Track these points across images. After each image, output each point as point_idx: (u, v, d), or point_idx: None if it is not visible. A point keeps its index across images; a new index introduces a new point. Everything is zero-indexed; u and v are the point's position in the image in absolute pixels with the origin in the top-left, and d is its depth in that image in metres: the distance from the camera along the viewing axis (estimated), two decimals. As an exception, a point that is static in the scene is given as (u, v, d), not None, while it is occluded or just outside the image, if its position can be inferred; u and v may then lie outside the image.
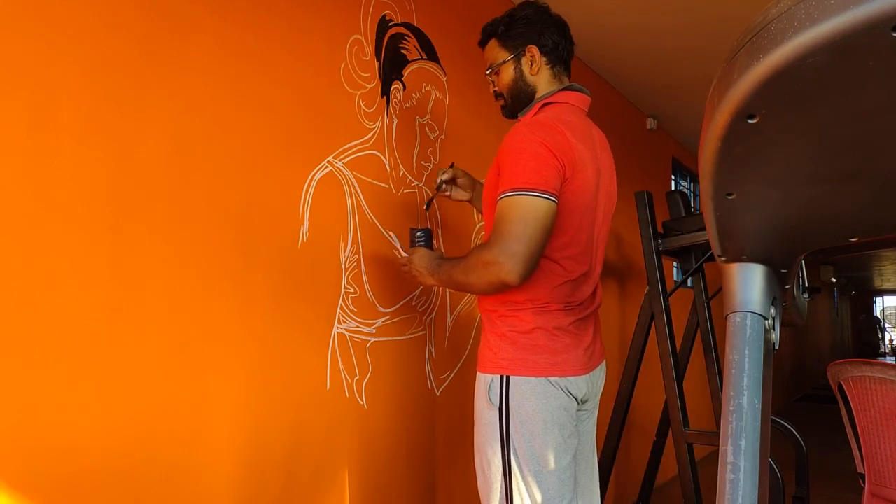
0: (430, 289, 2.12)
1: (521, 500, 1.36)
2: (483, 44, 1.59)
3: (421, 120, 2.13)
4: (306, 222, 1.69)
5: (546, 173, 1.32)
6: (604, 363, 1.57)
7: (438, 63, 2.23)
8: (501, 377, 1.39)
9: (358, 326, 1.83)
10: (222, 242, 1.48)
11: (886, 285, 16.87)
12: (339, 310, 1.78)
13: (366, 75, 1.91)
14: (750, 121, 0.38)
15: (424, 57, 2.16)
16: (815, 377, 10.11)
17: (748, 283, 0.55)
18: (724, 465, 0.49)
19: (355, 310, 1.83)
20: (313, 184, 1.72)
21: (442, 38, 2.23)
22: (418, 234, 1.60)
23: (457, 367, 2.24)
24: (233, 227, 1.51)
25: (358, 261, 1.84)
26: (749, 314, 0.54)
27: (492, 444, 1.40)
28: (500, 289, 1.36)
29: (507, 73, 1.54)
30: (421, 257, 1.55)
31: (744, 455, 0.49)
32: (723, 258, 0.56)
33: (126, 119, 1.31)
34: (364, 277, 1.86)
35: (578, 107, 1.51)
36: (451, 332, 2.22)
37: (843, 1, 0.30)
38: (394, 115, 2.01)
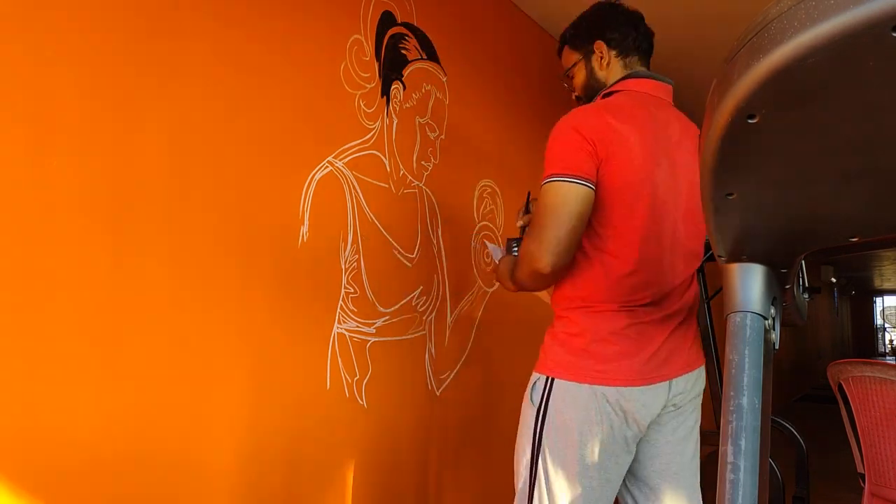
0: (430, 289, 2.13)
1: None
2: (559, 52, 1.58)
3: (421, 120, 2.13)
4: (306, 222, 1.69)
5: (574, 157, 1.27)
6: (688, 377, 1.38)
7: (438, 63, 2.23)
8: (546, 378, 1.33)
9: (358, 326, 1.83)
10: (222, 242, 1.48)
11: (886, 285, 16.87)
12: (339, 310, 1.78)
13: (366, 75, 1.91)
14: (750, 121, 0.38)
15: (424, 57, 2.16)
16: (815, 377, 10.11)
17: (748, 283, 0.55)
18: (724, 465, 0.49)
19: (355, 310, 1.83)
20: (313, 184, 1.72)
21: (442, 38, 2.23)
22: (513, 243, 1.58)
23: (457, 367, 2.24)
24: (233, 227, 1.51)
25: (358, 261, 1.84)
26: (749, 314, 0.54)
27: (524, 443, 1.36)
28: (539, 280, 1.31)
29: (580, 74, 1.54)
30: (503, 264, 1.52)
31: (744, 455, 0.49)
32: (723, 258, 0.56)
33: (126, 119, 1.31)
34: (364, 277, 1.86)
35: (644, 92, 1.42)
36: (451, 332, 2.22)
37: (843, 1, 0.30)
38: (394, 115, 2.01)
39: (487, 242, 1.73)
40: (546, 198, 1.28)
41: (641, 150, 1.32)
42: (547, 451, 1.31)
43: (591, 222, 1.31)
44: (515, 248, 1.56)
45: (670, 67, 3.45)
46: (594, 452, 1.29)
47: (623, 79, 1.45)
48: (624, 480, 1.44)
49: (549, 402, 1.32)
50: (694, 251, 1.43)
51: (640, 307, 1.33)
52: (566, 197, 1.26)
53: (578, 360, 1.30)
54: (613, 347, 1.30)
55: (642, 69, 1.48)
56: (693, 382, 1.40)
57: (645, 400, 1.30)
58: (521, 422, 1.40)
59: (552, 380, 1.32)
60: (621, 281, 1.32)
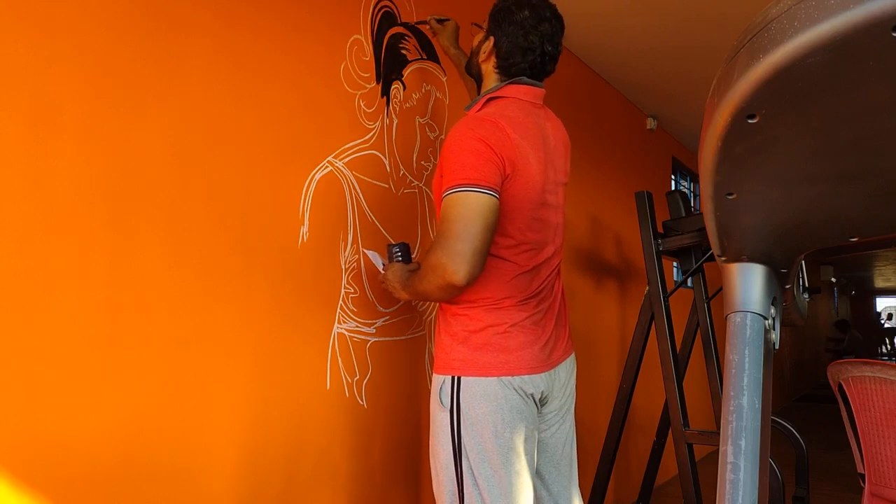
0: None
1: None
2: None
3: (421, 120, 2.13)
4: (306, 222, 1.69)
5: (485, 169, 1.29)
6: (570, 358, 1.52)
7: (438, 63, 2.23)
8: (453, 378, 1.36)
9: (358, 326, 1.83)
10: (222, 242, 1.48)
11: (886, 285, 16.87)
12: (339, 310, 1.78)
13: (366, 75, 1.91)
14: (750, 121, 0.38)
15: (424, 57, 2.16)
16: (815, 377, 10.11)
17: (748, 283, 0.55)
18: (724, 465, 0.49)
19: (355, 310, 1.83)
20: (313, 184, 1.72)
21: (442, 38, 2.23)
22: (395, 249, 1.58)
23: (457, 367, 2.24)
24: (233, 227, 1.51)
25: (358, 261, 1.84)
26: (749, 314, 0.54)
27: (444, 446, 1.37)
28: (451, 291, 1.32)
29: (475, 41, 1.58)
30: (394, 272, 1.53)
31: (744, 455, 0.49)
32: (723, 258, 0.56)
33: (126, 119, 1.31)
34: (364, 277, 1.86)
35: (527, 100, 1.47)
36: (451, 332, 2.22)
37: (843, 1, 0.30)
38: (394, 115, 2.01)
39: (366, 251, 1.74)
40: (459, 208, 1.27)
41: (536, 164, 1.40)
42: (467, 448, 1.34)
43: (496, 230, 1.34)
44: (398, 254, 1.58)
45: (671, 69, 3.46)
46: (511, 439, 1.34)
47: (509, 83, 1.47)
48: None
49: (460, 401, 1.35)
50: (562, 240, 1.56)
51: (531, 299, 1.42)
52: (479, 208, 1.26)
53: (482, 354, 1.35)
54: (515, 339, 1.37)
55: (523, 77, 1.49)
56: (570, 369, 1.53)
57: (545, 385, 1.41)
58: (433, 429, 1.42)
59: (459, 378, 1.35)
60: (519, 279, 1.40)
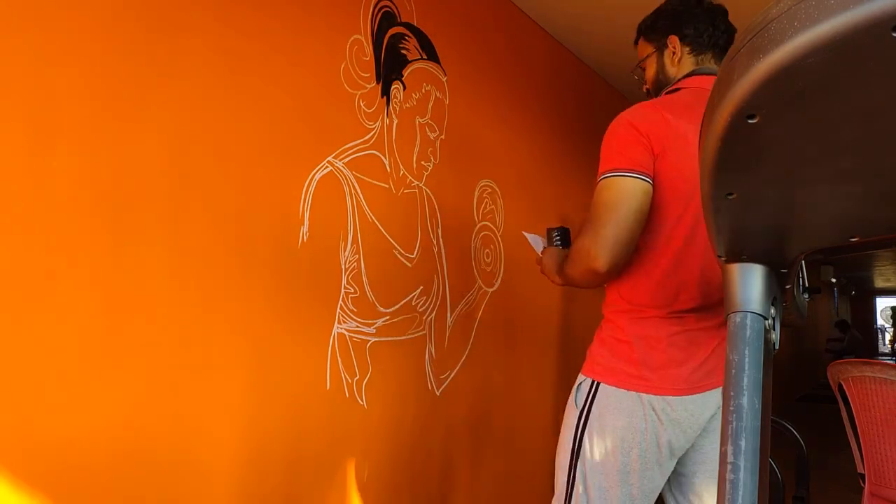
0: (430, 289, 2.13)
1: None
2: (635, 43, 1.54)
3: (421, 120, 2.13)
4: (306, 222, 1.69)
5: (631, 151, 1.23)
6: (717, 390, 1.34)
7: (438, 63, 2.23)
8: (592, 381, 1.30)
9: (358, 326, 1.83)
10: (222, 242, 1.48)
11: (886, 285, 16.87)
12: (339, 310, 1.78)
13: (366, 75, 1.91)
14: (750, 121, 0.38)
15: (424, 57, 2.16)
16: (815, 377, 10.11)
17: (748, 283, 0.55)
18: (725, 465, 0.49)
19: (355, 310, 1.83)
20: (313, 184, 1.72)
21: (442, 38, 2.23)
22: (555, 234, 1.55)
23: (457, 367, 2.23)
24: (233, 227, 1.51)
25: (358, 261, 1.84)
26: (749, 314, 0.54)
27: (565, 445, 1.33)
28: (593, 278, 1.26)
29: (651, 67, 1.50)
30: (549, 256, 1.49)
31: (744, 455, 0.49)
32: (723, 258, 0.56)
33: (126, 120, 1.31)
34: (364, 277, 1.86)
35: (707, 89, 1.34)
36: (451, 332, 2.22)
37: (843, 1, 0.30)
38: (394, 115, 2.01)
39: (526, 233, 1.70)
40: (604, 194, 1.23)
41: (695, 147, 1.27)
42: (587, 454, 1.29)
43: (647, 220, 1.26)
44: (557, 238, 1.54)
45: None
46: (636, 460, 1.25)
47: (688, 76, 1.41)
48: (669, 487, 1.41)
49: (593, 406, 1.29)
50: None
51: (687, 313, 1.28)
52: (625, 192, 1.22)
53: (625, 366, 1.27)
54: (661, 355, 1.26)
55: (710, 66, 1.43)
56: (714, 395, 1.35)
57: (693, 409, 1.26)
58: (563, 422, 1.37)
59: (597, 384, 1.30)
60: (662, 282, 1.28)
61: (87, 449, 1.22)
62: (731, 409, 0.51)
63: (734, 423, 0.50)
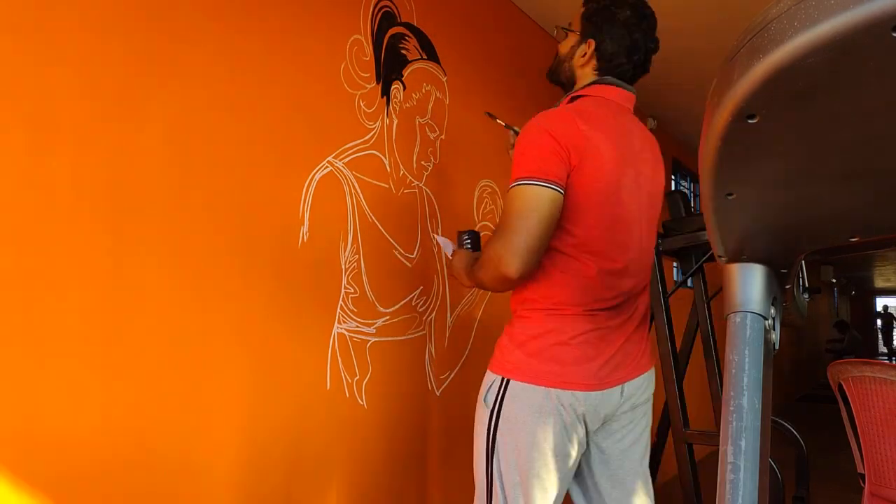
0: (430, 289, 2.13)
1: None
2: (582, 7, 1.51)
3: (421, 120, 2.13)
4: (306, 222, 1.69)
5: (545, 161, 1.26)
6: (645, 374, 1.42)
7: (438, 63, 2.23)
8: (502, 379, 1.33)
9: (358, 326, 1.83)
10: (222, 242, 1.48)
11: (886, 285, 16.86)
12: (339, 310, 1.78)
13: (366, 75, 1.91)
14: (750, 121, 0.38)
15: (424, 57, 2.16)
16: (815, 377, 10.11)
17: (748, 283, 0.55)
18: (724, 465, 0.49)
19: (355, 310, 1.83)
20: (313, 184, 1.72)
21: (442, 38, 2.23)
22: (465, 237, 1.58)
23: (457, 367, 2.24)
24: (233, 227, 1.51)
25: (358, 261, 1.84)
26: (749, 314, 0.54)
27: (479, 444, 1.38)
28: (504, 283, 1.30)
29: (565, 46, 1.50)
30: (459, 259, 1.52)
31: (744, 455, 0.49)
32: (723, 258, 0.56)
33: (126, 119, 1.31)
34: (364, 277, 1.86)
35: (613, 100, 1.41)
36: (451, 332, 2.22)
37: (843, 1, 0.30)
38: (394, 115, 2.01)
39: (435, 235, 1.74)
40: (516, 202, 1.27)
41: (611, 158, 1.33)
42: (501, 452, 1.33)
43: (562, 225, 1.31)
44: (467, 242, 1.57)
45: (675, 72, 3.46)
46: (546, 454, 1.30)
47: (591, 84, 1.43)
48: (576, 487, 1.47)
49: (503, 404, 1.32)
50: (651, 260, 1.48)
51: (600, 311, 1.34)
52: (535, 201, 1.25)
53: (536, 361, 1.31)
54: (574, 351, 1.30)
55: (612, 77, 1.45)
56: (644, 386, 1.42)
57: (597, 404, 1.32)
58: (475, 424, 1.41)
59: (507, 381, 1.33)
60: (587, 285, 1.33)
61: (87, 448, 1.22)
62: (731, 409, 0.50)
63: (734, 423, 0.50)
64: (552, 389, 1.29)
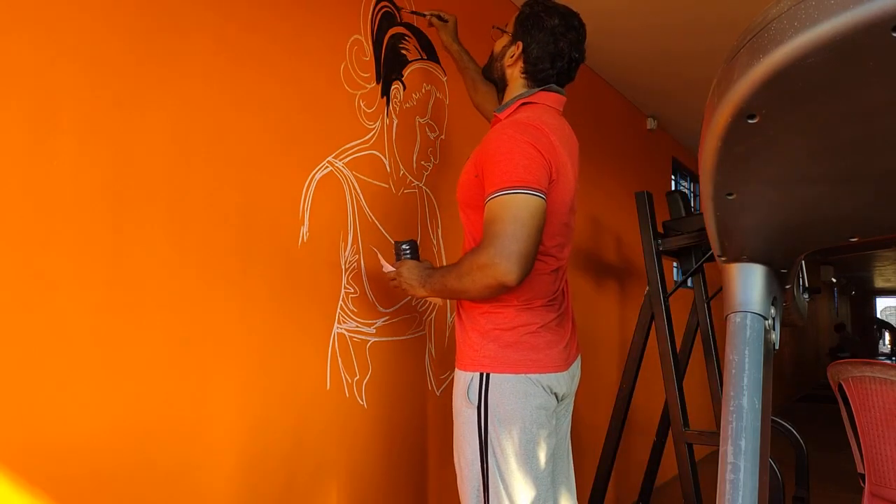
0: (430, 289, 2.13)
1: (499, 500, 1.34)
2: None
3: (421, 120, 2.13)
4: (306, 222, 1.69)
5: (537, 172, 1.32)
6: (579, 359, 1.57)
7: (438, 63, 2.23)
8: (481, 375, 1.36)
9: (358, 326, 1.83)
10: (222, 242, 1.48)
11: (886, 285, 16.86)
12: (339, 310, 1.78)
13: (366, 75, 1.91)
14: (750, 121, 0.38)
15: (424, 57, 2.16)
16: (815, 377, 10.11)
17: (748, 283, 0.55)
18: (724, 465, 0.49)
19: (355, 310, 1.83)
20: (313, 184, 1.72)
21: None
22: (403, 246, 1.56)
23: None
24: (233, 226, 1.51)
25: (358, 261, 1.84)
26: (749, 314, 0.54)
27: (470, 443, 1.38)
28: (499, 291, 1.32)
29: (498, 46, 1.58)
30: (410, 269, 1.51)
31: (744, 455, 0.49)
32: (723, 258, 0.56)
33: (126, 119, 1.31)
34: (364, 277, 1.86)
35: (555, 108, 1.51)
36: (451, 332, 2.22)
37: (843, 1, 0.30)
38: (394, 115, 2.01)
39: (375, 248, 1.72)
40: (513, 210, 1.28)
41: (572, 170, 1.47)
42: (495, 444, 1.35)
43: None
44: (407, 251, 1.56)
45: (670, 71, 3.46)
46: (537, 435, 1.37)
47: (541, 90, 1.50)
48: None
49: (489, 397, 1.36)
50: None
51: (555, 302, 1.47)
52: (533, 210, 1.29)
53: (512, 352, 1.37)
54: (544, 338, 1.40)
55: (552, 84, 1.52)
56: (577, 372, 1.56)
57: (565, 382, 1.46)
58: (458, 425, 1.42)
59: (488, 375, 1.37)
60: (546, 281, 1.44)
61: (87, 448, 1.22)
62: (731, 409, 0.50)
63: (734, 423, 0.50)
64: (532, 375, 1.37)
